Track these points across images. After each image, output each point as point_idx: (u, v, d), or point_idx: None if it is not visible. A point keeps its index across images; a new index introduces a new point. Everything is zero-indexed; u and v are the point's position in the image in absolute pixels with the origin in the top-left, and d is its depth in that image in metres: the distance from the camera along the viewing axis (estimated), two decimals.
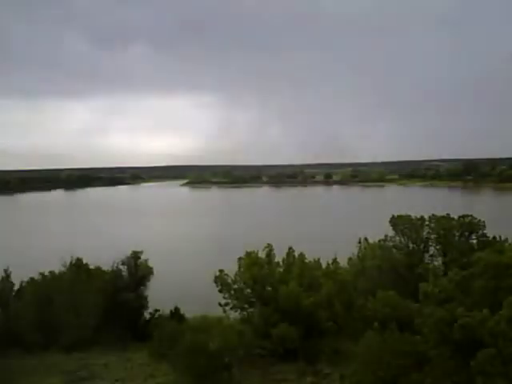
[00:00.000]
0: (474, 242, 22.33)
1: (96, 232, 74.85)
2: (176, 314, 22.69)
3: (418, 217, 23.35)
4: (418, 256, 22.52)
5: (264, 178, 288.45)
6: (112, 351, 20.47)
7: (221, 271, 20.27)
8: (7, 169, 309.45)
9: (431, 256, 22.89)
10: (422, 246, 23.03)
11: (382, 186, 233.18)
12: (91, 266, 23.62)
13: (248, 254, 20.25)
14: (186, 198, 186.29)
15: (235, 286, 20.03)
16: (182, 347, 16.46)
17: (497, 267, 14.89)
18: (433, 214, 23.45)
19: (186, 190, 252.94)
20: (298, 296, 18.56)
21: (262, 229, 67.63)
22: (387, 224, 23.87)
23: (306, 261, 20.70)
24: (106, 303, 21.74)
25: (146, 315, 23.61)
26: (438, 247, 22.92)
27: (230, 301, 20.08)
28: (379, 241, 23.53)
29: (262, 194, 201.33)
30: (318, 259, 21.40)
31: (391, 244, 23.19)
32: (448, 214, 23.51)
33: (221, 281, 20.13)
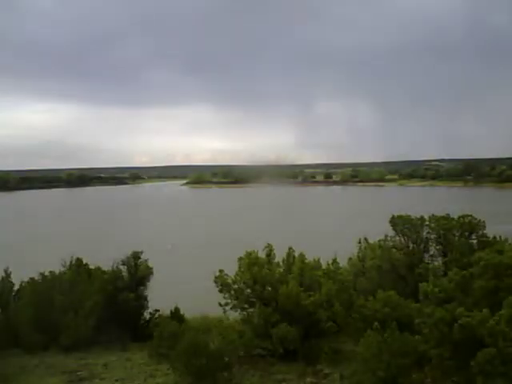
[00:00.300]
0: (474, 241, 22.29)
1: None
2: (176, 314, 22.69)
3: (418, 217, 23.34)
4: (417, 256, 22.49)
5: (264, 178, 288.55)
6: (112, 351, 20.48)
7: (221, 271, 20.27)
8: (7, 169, 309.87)
9: (431, 256, 22.85)
10: (422, 246, 23.01)
11: (382, 186, 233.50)
12: (91, 266, 23.67)
13: (248, 254, 20.24)
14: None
15: (235, 286, 20.02)
16: (182, 347, 16.46)
17: (497, 267, 14.91)
18: (433, 214, 23.43)
19: (190, 189, 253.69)
20: (297, 296, 18.55)
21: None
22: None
23: (306, 261, 20.69)
24: (106, 303, 21.76)
25: (146, 315, 23.62)
26: (437, 247, 22.89)
27: (229, 301, 20.07)
28: (379, 241, 23.53)
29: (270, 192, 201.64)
30: (318, 259, 21.40)
31: (391, 244, 23.18)
32: (448, 214, 23.50)
33: (221, 281, 20.12)
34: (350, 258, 24.06)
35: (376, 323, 15.20)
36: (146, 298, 23.77)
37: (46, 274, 22.73)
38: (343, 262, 22.75)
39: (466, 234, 22.57)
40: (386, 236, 23.39)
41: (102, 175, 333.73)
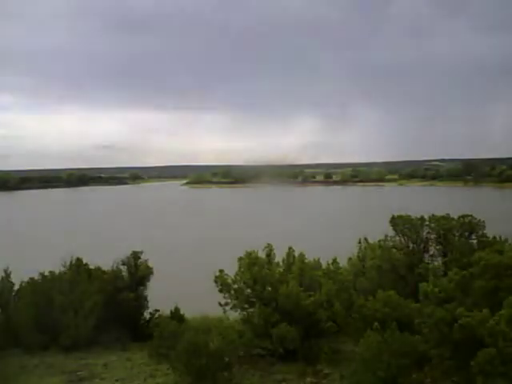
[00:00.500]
0: (474, 242, 22.29)
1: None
2: (176, 314, 22.68)
3: (418, 217, 23.34)
4: (418, 256, 22.49)
5: (264, 178, 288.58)
6: (112, 351, 20.49)
7: (221, 271, 20.27)
8: (7, 169, 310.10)
9: (431, 256, 22.85)
10: (421, 246, 23.01)
11: (382, 186, 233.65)
12: (91, 266, 23.66)
13: (248, 254, 20.25)
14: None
15: (235, 286, 20.02)
16: (182, 347, 16.46)
17: (497, 267, 14.92)
18: (433, 214, 23.44)
19: (189, 189, 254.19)
20: (297, 296, 18.55)
21: None
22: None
23: (306, 261, 20.69)
24: (106, 303, 21.76)
25: (146, 315, 23.61)
26: (438, 247, 22.90)
27: (229, 301, 20.07)
28: (379, 241, 23.53)
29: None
30: (318, 259, 21.41)
31: (391, 244, 23.17)
32: (448, 214, 23.50)
33: (221, 281, 20.12)
34: (350, 258, 24.05)
35: (376, 323, 15.20)
36: (145, 298, 23.78)
37: (46, 273, 22.75)
38: (343, 262, 22.75)
39: (466, 234, 22.58)
40: (386, 236, 23.39)
41: (102, 175, 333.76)
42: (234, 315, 20.70)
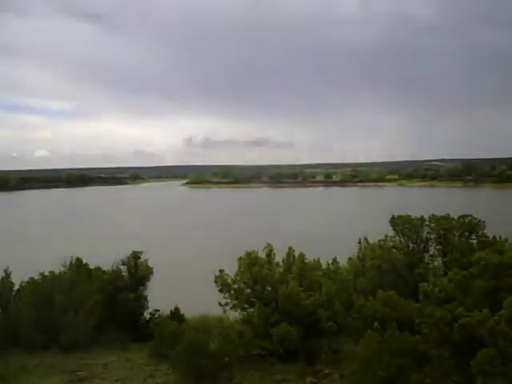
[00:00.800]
0: (474, 241, 22.29)
1: None
2: (176, 314, 22.68)
3: (418, 217, 23.33)
4: (418, 256, 22.49)
5: (264, 178, 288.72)
6: (112, 351, 20.48)
7: (221, 271, 20.27)
8: (7, 169, 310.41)
9: (431, 256, 22.84)
10: (421, 246, 23.00)
11: (382, 186, 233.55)
12: (91, 266, 23.67)
13: (248, 254, 20.25)
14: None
15: (235, 286, 20.02)
16: (182, 347, 16.46)
17: (497, 267, 14.90)
18: (433, 214, 23.43)
19: (189, 190, 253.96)
20: (297, 296, 18.56)
21: None
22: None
23: (306, 261, 20.69)
24: (106, 303, 21.76)
25: (146, 315, 23.61)
26: (438, 247, 22.89)
27: (229, 301, 20.07)
28: (379, 241, 23.51)
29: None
30: (318, 259, 21.41)
31: (391, 244, 23.16)
32: (448, 214, 23.50)
33: (221, 281, 20.13)
34: (350, 258, 24.03)
35: (376, 323, 15.20)
36: (145, 298, 23.77)
37: (46, 273, 22.75)
38: (343, 262, 22.75)
39: (466, 234, 22.56)
40: (386, 236, 23.37)
41: (102, 175, 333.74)
42: (234, 315, 20.71)
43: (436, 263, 22.33)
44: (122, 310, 22.08)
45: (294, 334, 17.92)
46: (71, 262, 23.31)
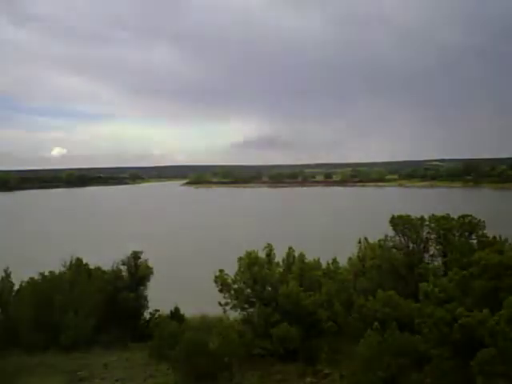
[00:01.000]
0: (474, 241, 22.27)
1: None
2: (176, 314, 22.69)
3: (418, 217, 23.31)
4: (418, 256, 22.47)
5: (264, 178, 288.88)
6: (112, 351, 20.47)
7: (221, 271, 20.26)
8: (7, 169, 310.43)
9: (431, 256, 22.81)
10: (421, 246, 22.98)
11: (382, 186, 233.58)
12: (91, 266, 23.66)
13: (248, 254, 20.24)
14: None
15: (235, 286, 20.01)
16: (182, 347, 16.46)
17: (497, 267, 14.90)
18: (433, 214, 23.40)
19: (188, 189, 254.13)
20: (297, 296, 18.56)
21: None
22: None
23: (306, 261, 20.69)
24: (106, 303, 21.75)
25: (146, 315, 23.61)
26: (438, 247, 22.86)
27: (229, 301, 20.06)
28: (379, 241, 23.49)
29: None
30: (318, 259, 21.40)
31: (391, 244, 23.15)
32: (448, 214, 23.48)
33: (221, 280, 20.12)
34: (350, 258, 24.02)
35: (376, 323, 15.20)
36: (145, 298, 23.77)
37: (46, 273, 22.74)
38: (343, 262, 22.75)
39: (466, 234, 22.54)
40: (386, 236, 23.36)
41: (102, 175, 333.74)
42: (234, 315, 20.70)
43: (436, 263, 22.31)
44: (122, 310, 22.08)
45: (294, 334, 17.92)
46: (71, 261, 23.29)
